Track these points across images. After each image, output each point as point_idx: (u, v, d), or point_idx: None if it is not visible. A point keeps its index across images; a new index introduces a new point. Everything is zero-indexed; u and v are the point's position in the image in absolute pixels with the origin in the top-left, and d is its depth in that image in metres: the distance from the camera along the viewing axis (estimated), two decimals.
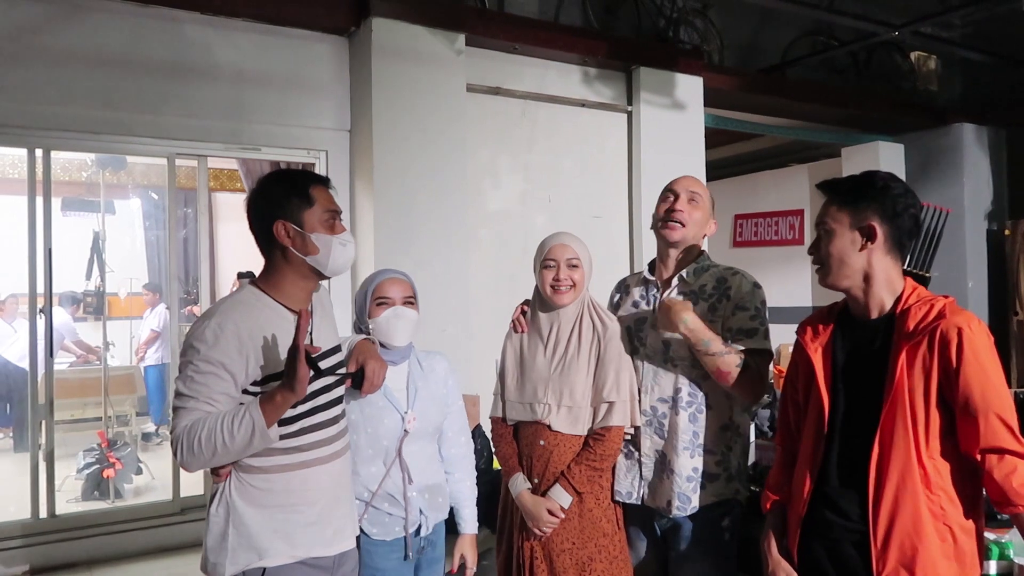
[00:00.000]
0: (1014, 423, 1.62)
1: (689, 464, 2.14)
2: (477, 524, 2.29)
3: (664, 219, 2.25)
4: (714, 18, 5.94)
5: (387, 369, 2.01)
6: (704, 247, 2.36)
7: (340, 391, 1.90)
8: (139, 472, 5.54)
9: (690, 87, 5.37)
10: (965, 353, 1.62)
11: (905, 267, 1.83)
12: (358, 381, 1.95)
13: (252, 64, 4.25)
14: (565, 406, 2.20)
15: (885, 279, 1.78)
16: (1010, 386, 3.44)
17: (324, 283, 1.91)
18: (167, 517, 4.42)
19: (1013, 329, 6.62)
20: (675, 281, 2.25)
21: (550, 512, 2.15)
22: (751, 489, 2.30)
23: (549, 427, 2.21)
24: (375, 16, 4.21)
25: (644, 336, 2.26)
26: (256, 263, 1.85)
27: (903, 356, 1.68)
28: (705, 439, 2.16)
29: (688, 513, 2.14)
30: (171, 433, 1.68)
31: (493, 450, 2.44)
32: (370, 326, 2.10)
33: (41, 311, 4.28)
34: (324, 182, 1.83)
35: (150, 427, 7.31)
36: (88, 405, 6.58)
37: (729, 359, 2.05)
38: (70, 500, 5.04)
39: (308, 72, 4.40)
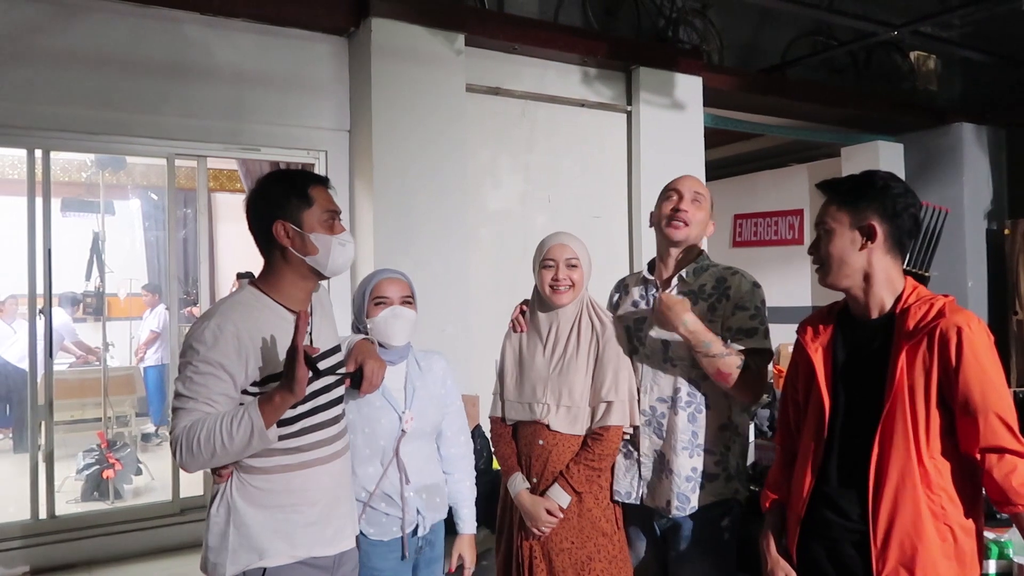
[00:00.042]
0: (1014, 422, 1.62)
1: (688, 464, 2.14)
2: (476, 524, 2.29)
3: (669, 218, 2.25)
4: (714, 18, 5.94)
5: (386, 369, 2.00)
6: (704, 247, 2.36)
7: (340, 391, 1.90)
8: (139, 473, 5.54)
9: (690, 87, 5.37)
10: (965, 352, 1.62)
11: (905, 267, 1.83)
12: (357, 381, 1.95)
13: (252, 64, 4.25)
14: (564, 406, 2.20)
15: (885, 278, 1.77)
16: (1010, 385, 3.44)
17: (324, 283, 1.91)
18: (167, 518, 4.42)
19: (1013, 329, 6.63)
20: (675, 281, 2.25)
21: (549, 512, 2.15)
22: (750, 489, 2.30)
23: (548, 427, 2.20)
24: (375, 16, 4.21)
25: (643, 336, 2.25)
26: (255, 263, 1.84)
27: (903, 355, 1.68)
28: (704, 439, 2.15)
29: (687, 513, 2.14)
30: (170, 434, 1.68)
31: (492, 450, 2.44)
32: (368, 326, 2.10)
33: (41, 312, 4.28)
34: (323, 182, 1.83)
35: (150, 428, 7.31)
36: (88, 406, 6.58)
37: (729, 360, 2.05)
38: (70, 501, 5.04)
39: (308, 72, 4.40)
